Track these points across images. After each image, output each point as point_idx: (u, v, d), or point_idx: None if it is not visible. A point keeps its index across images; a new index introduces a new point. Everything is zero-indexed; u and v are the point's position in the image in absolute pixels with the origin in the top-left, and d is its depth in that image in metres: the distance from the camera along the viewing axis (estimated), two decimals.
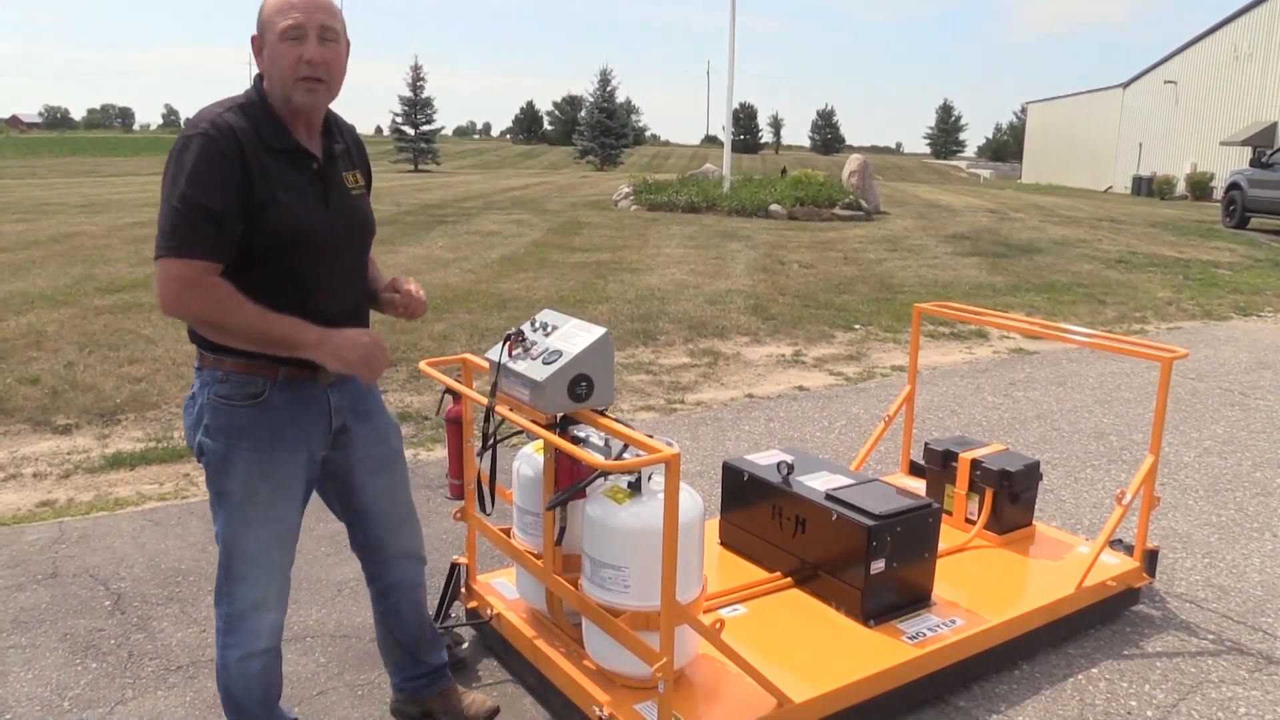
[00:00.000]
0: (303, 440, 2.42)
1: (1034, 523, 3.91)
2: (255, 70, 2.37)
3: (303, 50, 2.24)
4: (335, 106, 2.47)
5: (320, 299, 2.36)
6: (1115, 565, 3.61)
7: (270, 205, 2.24)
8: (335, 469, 2.57)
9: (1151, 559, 3.73)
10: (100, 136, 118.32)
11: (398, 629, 2.86)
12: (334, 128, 2.49)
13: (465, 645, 3.31)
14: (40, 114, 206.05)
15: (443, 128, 55.65)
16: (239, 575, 2.44)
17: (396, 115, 50.44)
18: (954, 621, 3.17)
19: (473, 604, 3.38)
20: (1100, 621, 3.58)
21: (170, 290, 2.19)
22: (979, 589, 3.43)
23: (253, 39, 2.30)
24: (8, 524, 4.37)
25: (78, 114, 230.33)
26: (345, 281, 2.46)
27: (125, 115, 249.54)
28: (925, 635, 3.08)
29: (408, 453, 5.33)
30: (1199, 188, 36.41)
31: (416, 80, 50.09)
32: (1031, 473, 3.84)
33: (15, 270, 11.05)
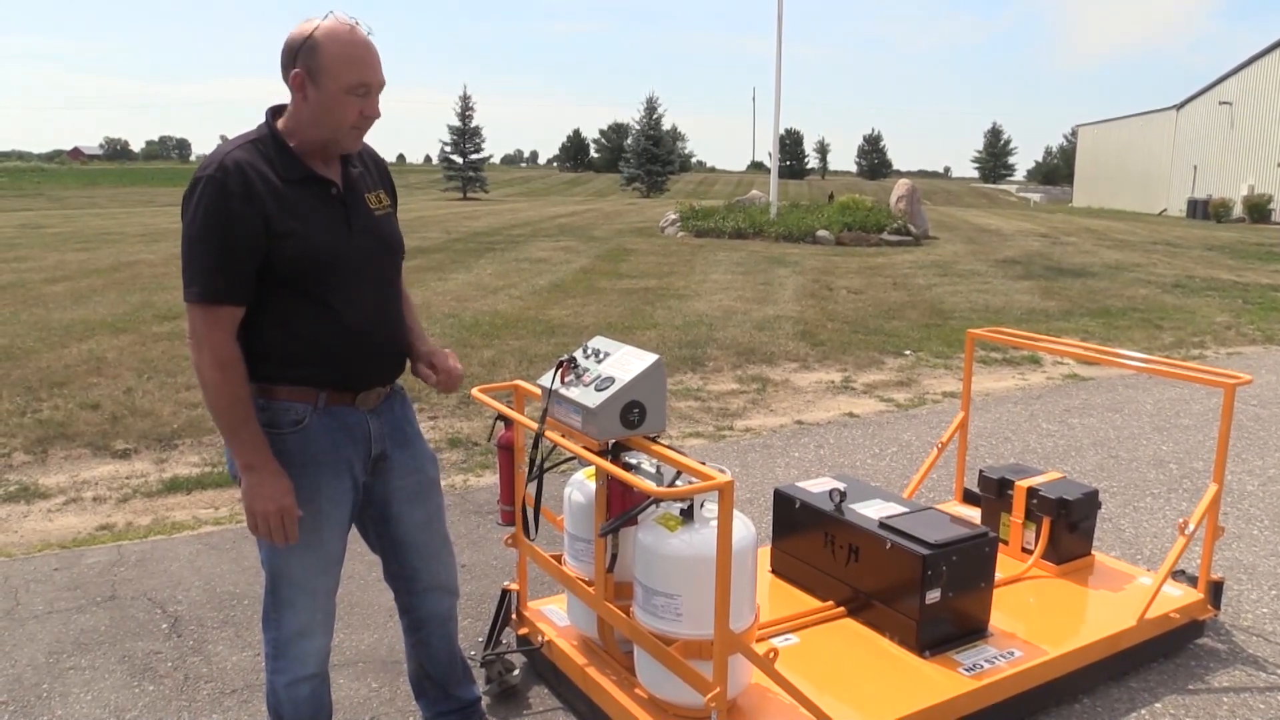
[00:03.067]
0: (345, 466, 2.43)
1: (1093, 552, 3.83)
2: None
3: (365, 106, 2.28)
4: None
5: (352, 320, 2.37)
6: (1178, 597, 3.52)
7: (292, 235, 2.26)
8: (373, 496, 2.57)
9: (1216, 591, 3.64)
10: (158, 167, 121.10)
11: (429, 662, 2.85)
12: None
13: (516, 672, 3.30)
14: (101, 146, 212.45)
15: (490, 156, 56.28)
16: (285, 601, 2.45)
17: (446, 145, 51.07)
18: (1012, 653, 3.10)
19: (524, 630, 3.37)
20: (1163, 655, 3.49)
21: (192, 338, 2.25)
22: (1037, 620, 3.36)
23: (295, 74, 2.24)
24: (68, 547, 4.45)
25: (136, 145, 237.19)
26: (377, 302, 2.46)
27: (182, 146, 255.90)
28: (982, 667, 3.02)
29: (458, 479, 5.36)
30: (1257, 210, 35.75)
31: (466, 110, 50.71)
32: (1090, 501, 3.76)
33: (77, 298, 11.34)
